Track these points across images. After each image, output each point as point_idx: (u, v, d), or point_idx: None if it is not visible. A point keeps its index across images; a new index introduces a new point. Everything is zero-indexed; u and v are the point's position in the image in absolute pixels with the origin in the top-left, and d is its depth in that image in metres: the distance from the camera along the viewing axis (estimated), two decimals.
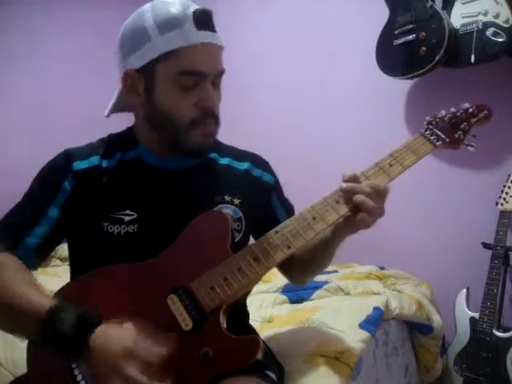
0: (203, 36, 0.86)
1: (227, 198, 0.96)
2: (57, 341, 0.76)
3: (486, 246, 1.74)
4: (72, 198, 0.91)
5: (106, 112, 1.00)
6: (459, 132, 0.96)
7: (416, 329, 1.71)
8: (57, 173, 0.93)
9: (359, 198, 0.83)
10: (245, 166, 1.03)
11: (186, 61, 0.86)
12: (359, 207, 0.83)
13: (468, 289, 1.77)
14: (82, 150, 0.96)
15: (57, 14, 2.79)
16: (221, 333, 0.81)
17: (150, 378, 0.74)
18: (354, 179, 0.87)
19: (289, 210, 1.07)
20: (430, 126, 0.97)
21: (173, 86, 0.87)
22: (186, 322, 0.81)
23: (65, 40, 2.82)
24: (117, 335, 0.77)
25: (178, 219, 0.90)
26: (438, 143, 0.94)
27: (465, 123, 0.96)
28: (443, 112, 0.99)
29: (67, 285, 0.90)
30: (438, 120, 0.97)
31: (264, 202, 1.04)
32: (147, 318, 0.81)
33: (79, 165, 0.92)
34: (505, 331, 1.63)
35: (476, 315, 1.68)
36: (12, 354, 1.29)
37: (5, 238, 0.89)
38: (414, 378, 1.75)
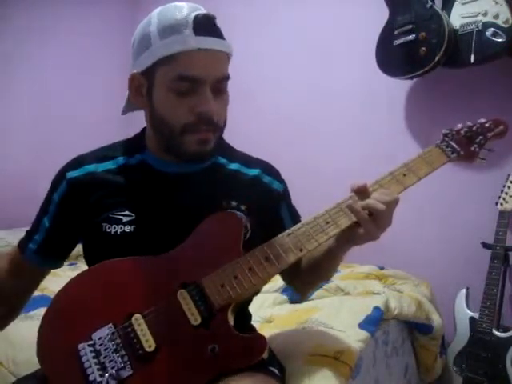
0: (201, 42, 0.86)
1: (233, 203, 0.96)
2: None
3: (485, 245, 1.74)
4: (62, 207, 0.97)
5: (122, 111, 1.04)
6: (475, 145, 0.97)
7: (416, 329, 1.71)
8: (53, 184, 1.00)
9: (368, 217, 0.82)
10: (255, 172, 1.03)
11: (182, 66, 0.86)
12: (374, 220, 0.83)
13: (468, 289, 1.78)
14: (80, 158, 1.00)
15: (56, 15, 2.78)
16: (228, 330, 0.82)
17: None
18: (364, 191, 0.86)
19: (295, 221, 1.05)
20: (446, 138, 0.97)
21: (169, 90, 0.87)
22: (194, 316, 0.83)
23: (64, 41, 2.82)
24: None
25: (177, 223, 0.91)
26: (452, 155, 0.95)
27: (481, 137, 0.97)
28: (459, 125, 0.99)
29: (81, 275, 0.90)
30: (454, 133, 0.98)
31: (272, 210, 1.03)
32: (157, 313, 0.83)
33: (71, 174, 0.97)
34: (504, 331, 1.63)
35: (476, 315, 1.69)
36: (12, 353, 1.30)
37: (20, 242, 1.02)
38: (414, 377, 1.75)
